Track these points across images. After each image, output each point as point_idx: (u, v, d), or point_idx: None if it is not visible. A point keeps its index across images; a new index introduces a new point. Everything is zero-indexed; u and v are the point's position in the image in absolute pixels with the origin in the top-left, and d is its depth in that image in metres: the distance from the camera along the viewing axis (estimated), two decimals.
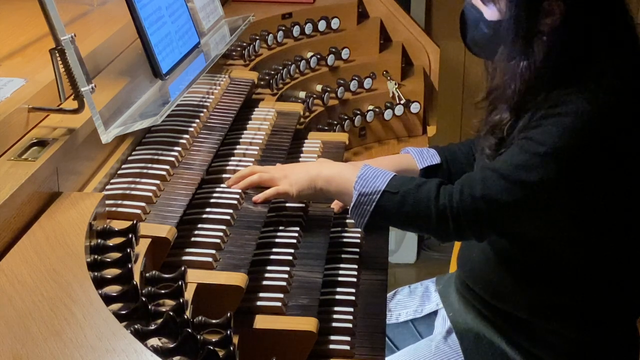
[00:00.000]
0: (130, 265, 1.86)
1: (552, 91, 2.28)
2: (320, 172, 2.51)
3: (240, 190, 2.50)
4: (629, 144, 2.29)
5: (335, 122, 3.65)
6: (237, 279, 2.10)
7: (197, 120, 2.73)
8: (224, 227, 2.31)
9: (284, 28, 3.66)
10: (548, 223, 2.36)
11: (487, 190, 2.29)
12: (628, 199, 2.36)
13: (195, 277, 2.07)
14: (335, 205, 2.68)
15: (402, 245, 5.30)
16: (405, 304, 2.82)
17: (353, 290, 2.40)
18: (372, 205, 2.39)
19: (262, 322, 2.14)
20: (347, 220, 2.69)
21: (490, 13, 2.39)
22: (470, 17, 2.45)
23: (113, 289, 1.80)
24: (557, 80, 2.29)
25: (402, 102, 3.82)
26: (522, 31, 2.30)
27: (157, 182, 2.32)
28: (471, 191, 2.31)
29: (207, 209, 2.40)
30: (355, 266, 2.51)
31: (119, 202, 2.21)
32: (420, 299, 2.80)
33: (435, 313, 2.74)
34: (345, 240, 2.63)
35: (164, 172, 2.38)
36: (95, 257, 1.90)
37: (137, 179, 2.33)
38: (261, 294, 2.21)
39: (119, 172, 2.38)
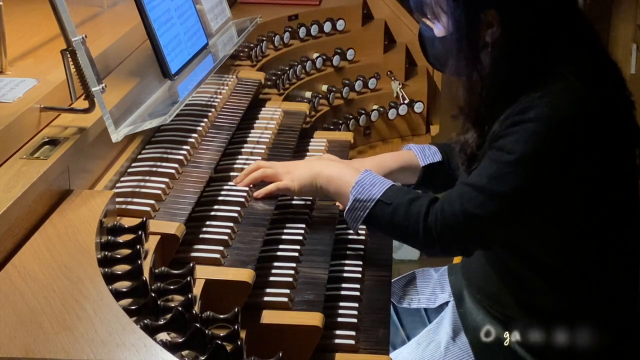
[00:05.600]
0: (139, 262, 1.88)
1: (512, 100, 2.28)
2: (322, 171, 2.54)
3: (247, 188, 2.53)
4: (594, 143, 2.28)
5: (341, 122, 3.68)
6: (245, 275, 2.12)
7: (206, 120, 2.75)
8: (231, 224, 2.33)
9: (290, 29, 3.68)
10: (530, 230, 2.37)
11: (465, 205, 2.29)
12: (602, 198, 2.36)
13: (203, 273, 2.09)
14: (340, 203, 2.70)
15: None
16: (420, 289, 2.82)
17: (358, 286, 2.42)
18: (366, 212, 2.41)
19: (268, 317, 2.16)
20: None
21: (437, 30, 2.42)
22: (426, 35, 2.49)
23: (123, 285, 1.81)
24: (513, 89, 2.29)
25: (405, 101, 3.85)
26: (465, 44, 2.32)
27: (166, 180, 2.34)
28: (451, 209, 2.31)
29: (215, 207, 2.42)
30: (360, 262, 2.53)
31: (129, 199, 2.23)
32: (433, 286, 2.80)
33: (446, 303, 2.73)
34: (350, 237, 2.64)
35: (172, 171, 2.40)
36: (106, 253, 1.91)
37: (147, 177, 2.34)
38: (268, 290, 2.22)
39: (129, 170, 2.39)
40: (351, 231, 2.62)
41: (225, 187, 2.53)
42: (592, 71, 2.33)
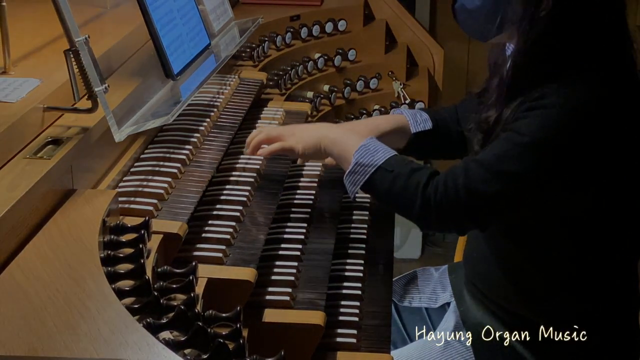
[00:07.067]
0: (142, 261, 1.88)
1: (535, 84, 2.29)
2: (328, 134, 2.54)
3: (249, 188, 2.53)
4: (605, 138, 2.29)
5: (342, 122, 3.68)
6: (247, 273, 2.13)
7: (208, 120, 2.76)
8: (233, 223, 2.34)
9: (292, 30, 3.69)
10: (533, 221, 2.38)
11: (469, 180, 2.30)
12: (608, 194, 2.36)
13: (205, 272, 2.09)
14: (330, 161, 2.69)
15: (407, 241, 5.33)
16: (421, 288, 2.83)
17: (359, 284, 2.43)
18: (366, 177, 2.41)
19: (270, 315, 2.16)
20: (354, 217, 2.72)
21: None
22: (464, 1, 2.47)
23: (126, 284, 1.81)
24: (540, 71, 2.29)
25: (407, 101, 3.85)
26: (513, 13, 2.30)
27: (169, 179, 2.35)
28: (454, 182, 2.31)
29: (217, 206, 2.43)
30: (362, 261, 2.54)
31: (132, 199, 2.23)
32: (434, 285, 2.81)
33: (448, 304, 2.75)
34: (352, 236, 2.65)
35: (175, 170, 2.40)
36: (109, 252, 1.92)
37: (149, 177, 2.35)
38: (270, 288, 2.23)
39: (132, 169, 2.40)
40: (353, 230, 2.63)
41: (227, 187, 2.54)
42: (615, 73, 2.33)
